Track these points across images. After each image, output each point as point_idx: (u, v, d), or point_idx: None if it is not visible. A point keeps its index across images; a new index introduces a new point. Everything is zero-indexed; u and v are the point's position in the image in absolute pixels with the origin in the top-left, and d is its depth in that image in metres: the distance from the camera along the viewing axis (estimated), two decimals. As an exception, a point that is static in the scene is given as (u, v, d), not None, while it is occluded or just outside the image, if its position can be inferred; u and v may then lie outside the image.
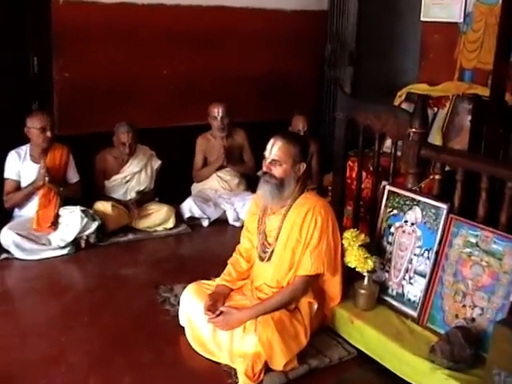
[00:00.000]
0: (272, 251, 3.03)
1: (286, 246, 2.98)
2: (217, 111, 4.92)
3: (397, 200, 3.16)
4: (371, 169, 3.96)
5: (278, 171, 2.92)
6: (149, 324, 3.24)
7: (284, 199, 2.99)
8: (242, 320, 2.85)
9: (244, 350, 2.79)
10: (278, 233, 3.02)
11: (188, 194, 4.99)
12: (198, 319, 2.99)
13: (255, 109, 5.49)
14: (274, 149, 2.91)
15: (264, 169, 2.96)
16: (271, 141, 2.95)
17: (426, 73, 5.08)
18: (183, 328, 3.08)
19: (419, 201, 3.04)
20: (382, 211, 3.24)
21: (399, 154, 3.19)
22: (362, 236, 3.08)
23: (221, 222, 4.79)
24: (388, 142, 3.92)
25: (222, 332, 2.89)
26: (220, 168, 5.00)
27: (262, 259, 3.07)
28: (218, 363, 2.88)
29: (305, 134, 4.95)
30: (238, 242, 3.25)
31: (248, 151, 5.14)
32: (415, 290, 3.00)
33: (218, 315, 2.88)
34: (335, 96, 5.84)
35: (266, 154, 2.94)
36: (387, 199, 3.21)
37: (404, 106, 4.60)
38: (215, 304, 2.95)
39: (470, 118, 4.04)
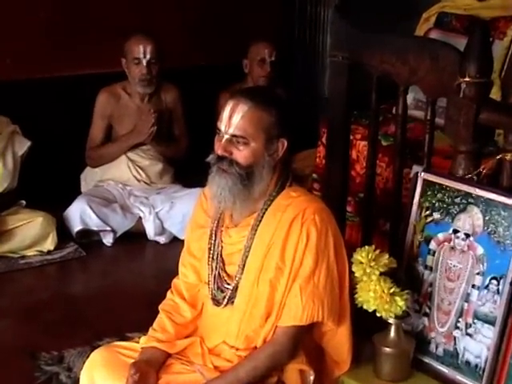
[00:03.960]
0: (235, 288, 2.99)
1: (259, 278, 2.94)
2: (142, 50, 4.93)
3: (439, 196, 3.15)
4: (384, 143, 3.99)
5: (242, 154, 2.87)
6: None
7: (253, 201, 2.96)
8: (190, 408, 2.84)
9: None
10: (245, 258, 2.98)
11: (77, 191, 4.96)
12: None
13: (187, 48, 5.61)
14: (236, 117, 2.86)
15: (219, 151, 2.90)
16: (230, 103, 2.89)
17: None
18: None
19: (479, 197, 3.03)
20: (413, 215, 3.22)
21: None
22: (385, 258, 3.05)
23: (135, 238, 4.87)
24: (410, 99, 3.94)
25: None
26: (136, 146, 4.97)
27: (218, 303, 3.02)
28: None
29: (272, 65, 5.18)
30: (168, 271, 3.24)
31: (181, 120, 5.27)
32: (478, 346, 2.97)
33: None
34: (315, 22, 5.92)
35: (222, 126, 2.88)
36: (422, 195, 3.20)
37: (434, 35, 4.67)
38: (145, 379, 2.86)
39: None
